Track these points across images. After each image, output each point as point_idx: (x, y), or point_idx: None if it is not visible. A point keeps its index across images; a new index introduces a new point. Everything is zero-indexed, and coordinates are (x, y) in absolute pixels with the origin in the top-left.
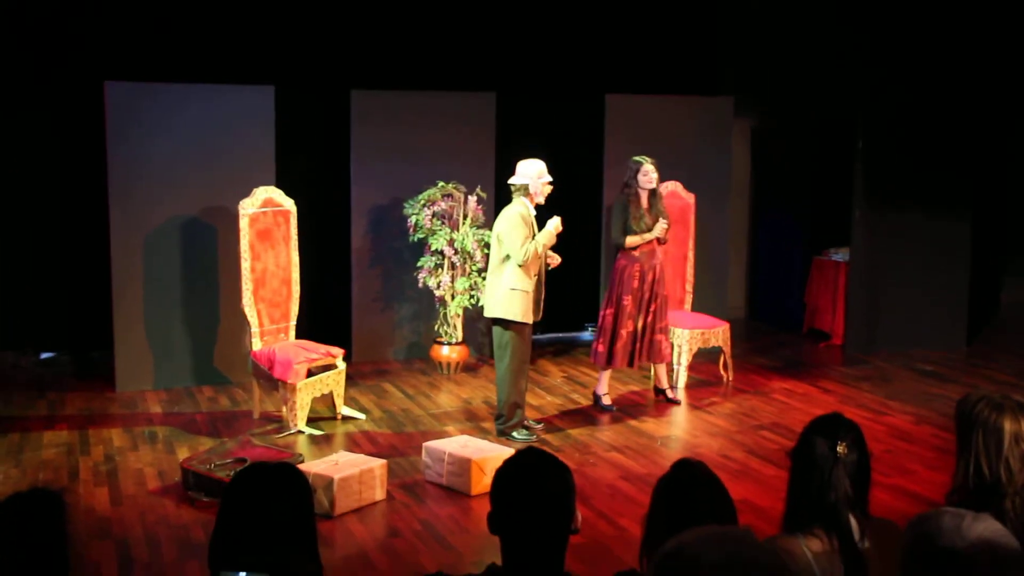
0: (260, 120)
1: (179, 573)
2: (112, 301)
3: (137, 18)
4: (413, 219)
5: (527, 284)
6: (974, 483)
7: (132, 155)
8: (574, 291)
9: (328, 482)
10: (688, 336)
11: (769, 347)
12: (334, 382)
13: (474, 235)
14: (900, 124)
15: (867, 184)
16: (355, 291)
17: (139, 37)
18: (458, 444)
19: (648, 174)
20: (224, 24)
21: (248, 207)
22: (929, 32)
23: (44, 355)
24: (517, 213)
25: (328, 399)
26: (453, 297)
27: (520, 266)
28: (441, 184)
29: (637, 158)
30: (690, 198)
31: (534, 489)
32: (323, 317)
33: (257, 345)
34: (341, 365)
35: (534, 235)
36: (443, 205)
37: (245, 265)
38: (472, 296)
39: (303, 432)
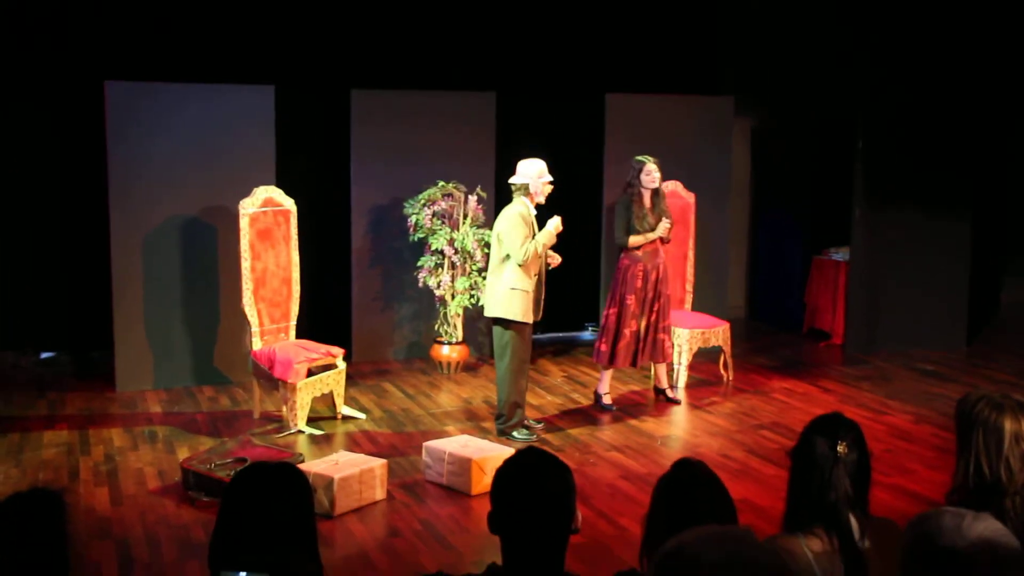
0: (260, 120)
1: (179, 573)
2: (112, 301)
3: (137, 18)
4: (413, 219)
5: (527, 284)
6: (974, 482)
7: (132, 155)
8: (574, 291)
9: (328, 482)
10: (688, 336)
11: (769, 347)
12: (334, 382)
13: (474, 235)
14: (900, 124)
15: (867, 184)
16: (355, 291)
17: (139, 37)
18: (458, 444)
19: (651, 173)
20: (224, 24)
21: (248, 207)
22: (929, 32)
23: (44, 355)
24: (517, 213)
25: (328, 399)
26: (453, 297)
27: (520, 266)
28: (441, 184)
29: (640, 158)
30: (690, 197)
31: (534, 489)
32: (323, 317)
33: (257, 345)
34: (341, 365)
35: (534, 235)
36: (443, 205)
37: (245, 265)
38: (472, 296)
39: (303, 432)
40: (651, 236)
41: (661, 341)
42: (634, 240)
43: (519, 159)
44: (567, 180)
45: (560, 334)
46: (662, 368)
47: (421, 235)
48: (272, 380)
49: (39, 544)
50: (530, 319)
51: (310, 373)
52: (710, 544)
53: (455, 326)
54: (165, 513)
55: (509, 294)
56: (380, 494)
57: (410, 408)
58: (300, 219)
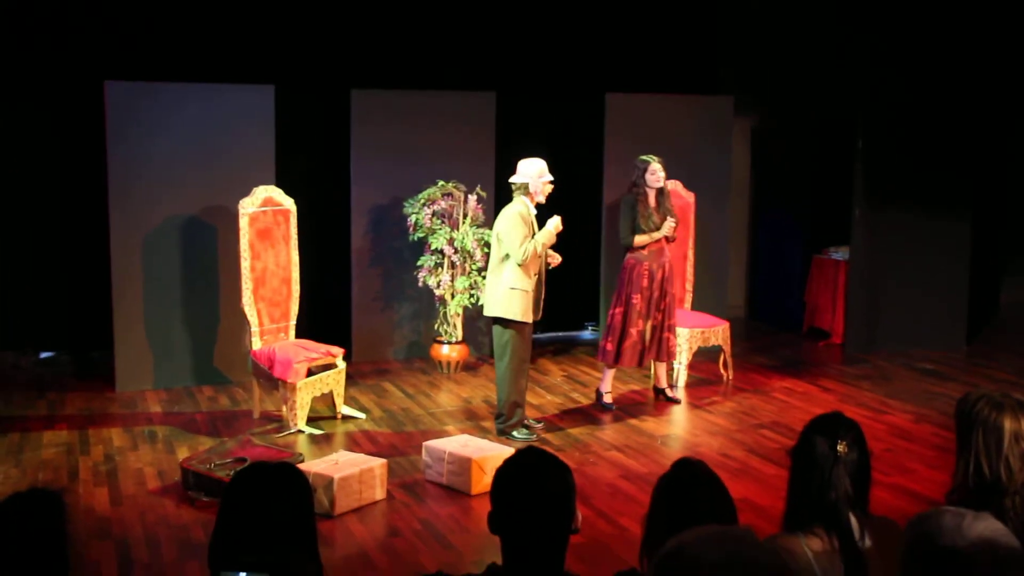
0: (260, 119)
1: (179, 573)
2: (112, 300)
3: (137, 18)
4: (413, 218)
5: (527, 283)
6: (974, 482)
7: (132, 154)
8: (574, 290)
9: (328, 481)
10: (688, 335)
11: (769, 346)
12: (334, 381)
13: (474, 234)
14: (900, 124)
15: (867, 183)
16: (355, 290)
17: (139, 37)
18: (458, 443)
19: (655, 173)
20: (224, 24)
21: (248, 206)
22: (929, 32)
23: (44, 355)
24: (516, 212)
25: (328, 398)
26: (453, 296)
27: (519, 265)
28: (441, 183)
29: (644, 157)
30: (690, 197)
31: (534, 489)
32: (323, 316)
33: (257, 344)
34: (341, 364)
35: (534, 234)
36: (443, 204)
37: (245, 264)
38: (472, 295)
39: (303, 431)
40: (656, 235)
41: (667, 340)
42: (639, 239)
43: (519, 159)
44: (567, 180)
45: (560, 333)
46: (662, 367)
47: (421, 235)
48: (272, 380)
49: (39, 544)
50: (530, 319)
51: (310, 373)
52: (710, 544)
53: (455, 326)
54: (165, 513)
55: (509, 294)
56: (380, 494)
57: (410, 408)
58: (300, 219)
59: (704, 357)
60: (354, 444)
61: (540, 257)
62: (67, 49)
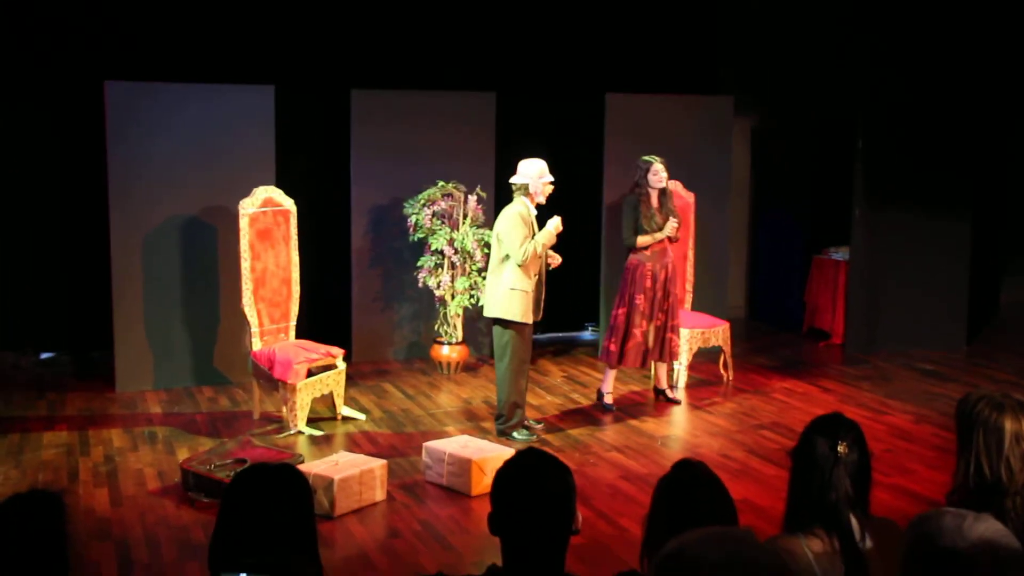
0: (260, 120)
1: (179, 574)
2: (112, 301)
3: (137, 18)
4: (413, 219)
5: (527, 284)
6: (975, 483)
7: (132, 155)
8: (574, 291)
9: (328, 483)
10: (688, 336)
11: (769, 346)
12: (334, 382)
13: (474, 235)
14: (900, 124)
15: (867, 183)
16: (355, 291)
17: (139, 37)
18: (458, 444)
19: (658, 173)
20: (224, 24)
21: (248, 207)
22: (929, 32)
23: (44, 355)
24: (516, 213)
25: (328, 399)
26: (453, 297)
27: (519, 266)
28: (441, 184)
29: (647, 158)
30: (690, 197)
31: (535, 490)
32: (323, 317)
33: (257, 345)
34: (341, 365)
35: (534, 235)
36: (443, 205)
37: (245, 265)
38: (472, 296)
39: (303, 432)
40: (659, 236)
41: (670, 340)
42: (642, 240)
43: (519, 159)
44: (567, 180)
45: (560, 334)
46: (662, 368)
47: (421, 235)
48: (272, 381)
49: (39, 545)
50: (530, 319)
51: (310, 373)
52: (711, 545)
53: (455, 326)
54: (165, 514)
55: (509, 294)
56: (380, 495)
57: (410, 408)
58: (300, 219)
59: (704, 358)
60: (354, 445)
61: (540, 258)
62: (67, 49)
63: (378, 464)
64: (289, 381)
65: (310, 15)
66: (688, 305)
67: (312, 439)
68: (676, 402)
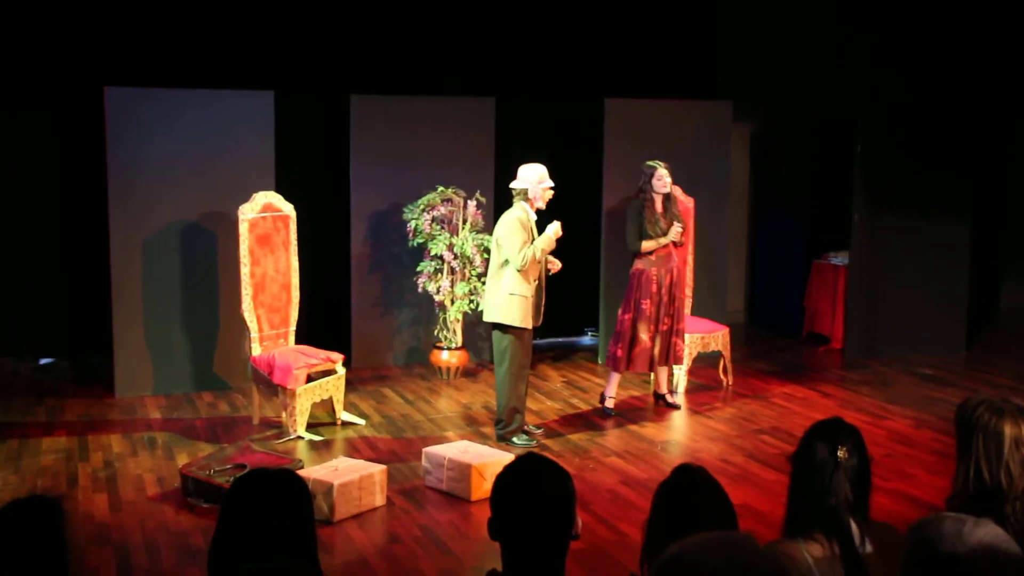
0: (260, 125)
1: None
2: (111, 306)
3: (137, 23)
4: (412, 224)
5: (526, 289)
6: (974, 487)
7: (132, 160)
8: (574, 296)
9: (328, 488)
10: (688, 340)
11: (769, 351)
12: (334, 387)
13: (473, 240)
14: (900, 124)
15: (866, 187)
16: (355, 296)
17: (139, 42)
18: (458, 449)
19: (662, 178)
20: (224, 29)
21: (248, 212)
22: (929, 32)
23: (43, 361)
24: (516, 218)
25: (328, 404)
26: (453, 302)
27: (519, 271)
28: (441, 189)
29: (651, 163)
30: (689, 202)
31: (534, 495)
32: (323, 322)
33: (257, 350)
34: (341, 370)
35: (533, 240)
36: (443, 210)
37: (244, 270)
38: (472, 301)
39: (303, 438)
40: (663, 241)
41: (675, 344)
42: (647, 245)
43: (518, 164)
44: (566, 185)
45: (560, 339)
46: (662, 373)
47: (420, 240)
48: (271, 386)
49: (38, 551)
50: (529, 324)
51: (309, 379)
52: (710, 550)
53: (455, 331)
54: (164, 519)
55: (508, 299)
56: (380, 500)
57: (410, 414)
58: (299, 224)
59: (704, 363)
60: (354, 450)
61: (539, 263)
62: (67, 54)
63: (378, 469)
64: (289, 386)
65: (309, 20)
66: (688, 310)
67: (312, 444)
68: (676, 407)
